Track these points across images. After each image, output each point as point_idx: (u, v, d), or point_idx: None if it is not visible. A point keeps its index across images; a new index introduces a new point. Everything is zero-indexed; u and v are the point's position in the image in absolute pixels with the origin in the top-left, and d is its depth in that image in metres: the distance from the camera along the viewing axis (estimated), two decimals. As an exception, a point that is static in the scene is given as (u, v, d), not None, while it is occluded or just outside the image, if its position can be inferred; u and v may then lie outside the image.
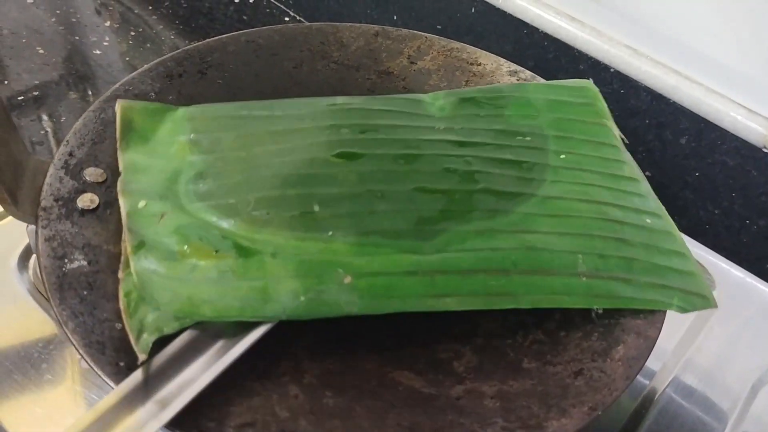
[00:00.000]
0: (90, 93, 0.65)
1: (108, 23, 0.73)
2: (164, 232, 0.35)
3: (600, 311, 0.37)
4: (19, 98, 0.62)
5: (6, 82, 0.63)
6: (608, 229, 0.39)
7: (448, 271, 0.35)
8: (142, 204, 0.36)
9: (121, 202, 0.36)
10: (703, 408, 0.44)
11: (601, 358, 0.35)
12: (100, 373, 0.31)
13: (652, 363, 0.44)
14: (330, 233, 0.35)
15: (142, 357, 0.31)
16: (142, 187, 0.37)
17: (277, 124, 0.42)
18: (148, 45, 0.71)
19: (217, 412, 0.31)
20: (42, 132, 0.60)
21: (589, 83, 0.49)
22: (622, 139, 0.46)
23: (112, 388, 0.30)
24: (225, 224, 0.35)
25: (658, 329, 0.36)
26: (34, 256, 0.43)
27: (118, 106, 0.41)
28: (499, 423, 0.32)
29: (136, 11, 0.75)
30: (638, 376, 0.35)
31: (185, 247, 0.34)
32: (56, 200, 0.37)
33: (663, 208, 0.42)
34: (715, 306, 0.38)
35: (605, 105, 0.47)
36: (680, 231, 0.41)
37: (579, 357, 0.35)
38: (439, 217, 0.38)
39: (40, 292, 0.41)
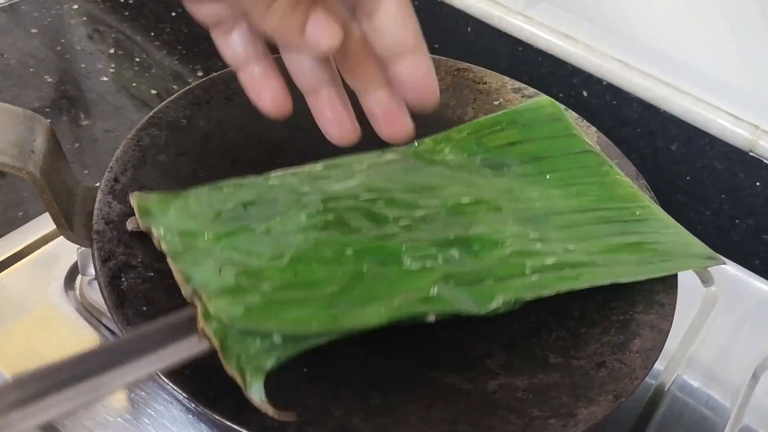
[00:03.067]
0: (102, 121, 0.67)
1: (112, 50, 0.75)
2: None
3: None
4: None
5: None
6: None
7: None
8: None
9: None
10: (705, 403, 0.46)
11: (620, 351, 0.38)
12: (167, 381, 0.33)
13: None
14: None
15: (261, 404, 0.31)
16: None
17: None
18: (153, 71, 0.74)
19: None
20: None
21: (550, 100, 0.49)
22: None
23: (183, 399, 0.33)
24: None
25: (669, 323, 0.39)
26: (80, 276, 0.45)
27: (132, 198, 0.39)
28: (534, 413, 0.35)
29: (138, 39, 0.77)
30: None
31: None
32: (107, 223, 0.39)
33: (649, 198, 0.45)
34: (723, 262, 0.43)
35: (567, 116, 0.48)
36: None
37: (600, 351, 0.38)
38: None
39: (88, 311, 0.43)
